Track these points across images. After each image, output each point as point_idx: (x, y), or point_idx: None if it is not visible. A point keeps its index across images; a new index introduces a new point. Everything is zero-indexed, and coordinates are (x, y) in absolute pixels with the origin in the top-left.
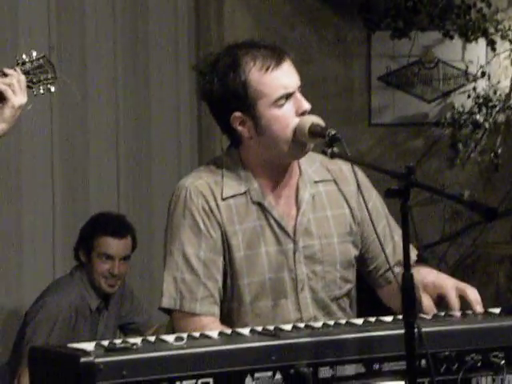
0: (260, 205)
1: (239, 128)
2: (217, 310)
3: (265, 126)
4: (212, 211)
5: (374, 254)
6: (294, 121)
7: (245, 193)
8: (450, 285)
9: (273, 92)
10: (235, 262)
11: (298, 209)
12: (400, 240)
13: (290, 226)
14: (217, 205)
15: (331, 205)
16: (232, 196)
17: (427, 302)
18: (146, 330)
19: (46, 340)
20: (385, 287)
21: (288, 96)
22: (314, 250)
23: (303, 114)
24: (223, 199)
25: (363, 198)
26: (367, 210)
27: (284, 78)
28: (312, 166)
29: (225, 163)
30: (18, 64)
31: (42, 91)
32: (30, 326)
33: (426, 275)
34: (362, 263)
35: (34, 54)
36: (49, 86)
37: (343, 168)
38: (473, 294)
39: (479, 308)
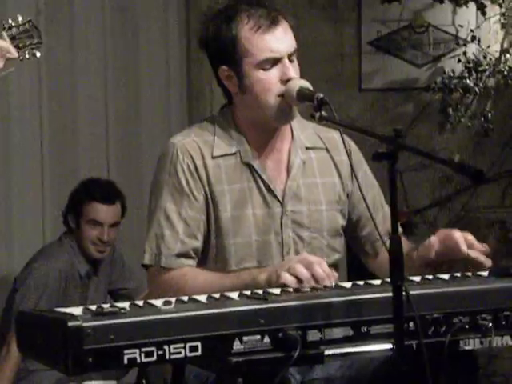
0: (250, 166)
1: (226, 82)
2: (193, 264)
3: (248, 86)
4: (197, 170)
5: (364, 223)
6: (277, 87)
7: (235, 153)
8: (453, 230)
9: (259, 53)
10: (221, 222)
11: (288, 173)
12: (388, 213)
13: (279, 189)
14: (204, 163)
15: (321, 172)
16: (222, 156)
17: (435, 239)
18: (137, 296)
19: (35, 306)
20: (373, 257)
21: (275, 61)
22: (302, 215)
23: (288, 81)
24: (213, 158)
25: (352, 167)
26: (356, 178)
27: (273, 41)
28: (304, 132)
29: (217, 122)
30: (4, 29)
31: (27, 56)
32: (19, 292)
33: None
34: (351, 233)
35: (20, 18)
36: (34, 50)
37: (336, 137)
38: (459, 235)
39: (464, 248)
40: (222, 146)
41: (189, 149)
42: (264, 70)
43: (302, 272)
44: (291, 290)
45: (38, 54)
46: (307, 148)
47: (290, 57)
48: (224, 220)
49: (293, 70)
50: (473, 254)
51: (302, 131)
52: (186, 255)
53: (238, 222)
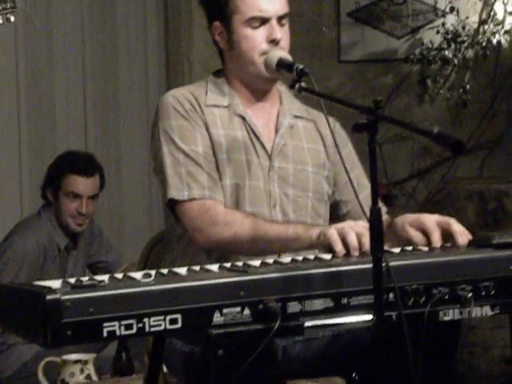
0: (242, 117)
1: (217, 38)
2: (222, 197)
3: (235, 42)
4: (197, 112)
5: (348, 198)
6: (263, 46)
7: (227, 106)
8: (431, 220)
9: (248, 11)
10: (217, 163)
11: (277, 132)
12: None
13: (268, 145)
14: (201, 109)
15: (308, 138)
16: (215, 105)
17: (415, 234)
18: (116, 269)
19: (13, 279)
20: None
21: (263, 21)
22: (288, 172)
23: (273, 42)
24: (207, 106)
25: (336, 143)
26: (340, 154)
27: (263, 1)
28: (293, 104)
29: (210, 81)
30: None
31: (0, 21)
32: None
33: (407, 216)
34: (335, 208)
35: None
36: (8, 15)
37: (322, 115)
38: (456, 225)
39: (462, 239)
40: (214, 98)
41: (186, 96)
42: (252, 28)
43: (353, 239)
44: (271, 261)
45: (13, 19)
46: (295, 116)
47: (280, 20)
48: (219, 161)
49: (280, 32)
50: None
51: (291, 101)
52: (216, 188)
53: (232, 163)
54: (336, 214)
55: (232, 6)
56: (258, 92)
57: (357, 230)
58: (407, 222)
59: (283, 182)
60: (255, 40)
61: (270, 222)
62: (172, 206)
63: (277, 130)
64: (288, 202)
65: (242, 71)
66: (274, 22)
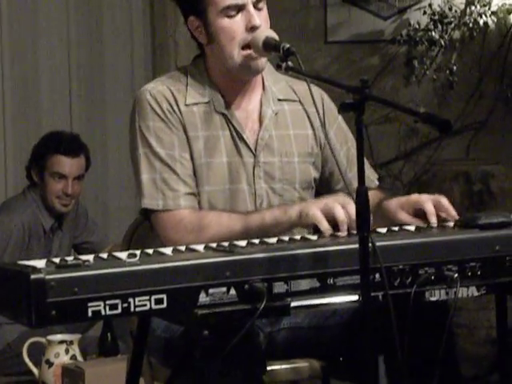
0: (223, 115)
1: (195, 33)
2: (197, 205)
3: (213, 34)
4: (175, 113)
5: (337, 177)
6: (243, 35)
7: (208, 102)
8: (424, 197)
9: (221, 0)
10: (196, 169)
11: (261, 124)
12: (366, 163)
13: (252, 140)
14: (179, 109)
15: (294, 124)
16: (195, 103)
17: (408, 218)
18: (101, 250)
19: None
20: None
21: (239, 8)
22: (274, 167)
23: (253, 29)
24: (186, 105)
25: (323, 124)
26: (326, 137)
27: None
28: (277, 84)
29: (190, 72)
30: None
31: None
32: None
33: (398, 199)
34: (325, 186)
35: None
36: None
37: (308, 89)
38: (430, 206)
39: (433, 219)
40: (194, 94)
41: (164, 94)
42: (228, 17)
43: (340, 212)
44: (257, 241)
45: None
46: (280, 100)
47: (256, 4)
48: (198, 167)
49: (259, 17)
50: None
51: (274, 83)
52: (191, 196)
53: (212, 168)
54: (330, 187)
55: None
56: (240, 81)
57: (340, 201)
58: (399, 205)
59: (269, 177)
60: (234, 30)
61: (245, 215)
62: (146, 213)
63: (261, 122)
64: (275, 196)
65: (223, 63)
66: (250, 7)
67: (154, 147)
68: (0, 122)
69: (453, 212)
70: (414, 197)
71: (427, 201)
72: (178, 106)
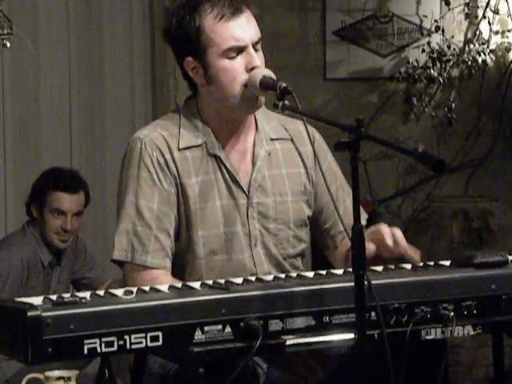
0: (216, 157)
1: (192, 74)
2: (168, 263)
3: (213, 76)
4: (167, 164)
5: (327, 215)
6: (243, 76)
7: (201, 145)
8: (383, 226)
9: (223, 42)
10: (191, 215)
11: (254, 165)
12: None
13: (245, 181)
14: (172, 157)
15: (287, 163)
16: (188, 147)
17: (371, 246)
18: (100, 285)
19: None
20: (332, 249)
21: (240, 50)
22: (268, 207)
23: (253, 69)
24: (179, 150)
25: (317, 158)
26: (322, 172)
27: (237, 30)
28: (269, 123)
29: (183, 114)
30: None
31: None
32: None
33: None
34: (314, 223)
35: None
36: (5, 41)
37: (301, 128)
38: (386, 229)
39: (389, 240)
40: (188, 137)
41: (156, 143)
42: (229, 58)
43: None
44: (253, 279)
45: (9, 45)
46: (272, 139)
47: (254, 45)
48: (193, 212)
49: (258, 58)
50: (405, 252)
51: (266, 122)
52: (160, 252)
53: (206, 213)
54: (319, 225)
55: (205, 39)
56: (235, 122)
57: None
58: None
59: (263, 217)
60: (235, 71)
61: None
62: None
63: (254, 163)
64: (269, 236)
65: (221, 104)
66: (250, 49)
67: (135, 198)
68: (1, 158)
69: (389, 239)
70: (376, 227)
71: (384, 227)
72: (171, 153)
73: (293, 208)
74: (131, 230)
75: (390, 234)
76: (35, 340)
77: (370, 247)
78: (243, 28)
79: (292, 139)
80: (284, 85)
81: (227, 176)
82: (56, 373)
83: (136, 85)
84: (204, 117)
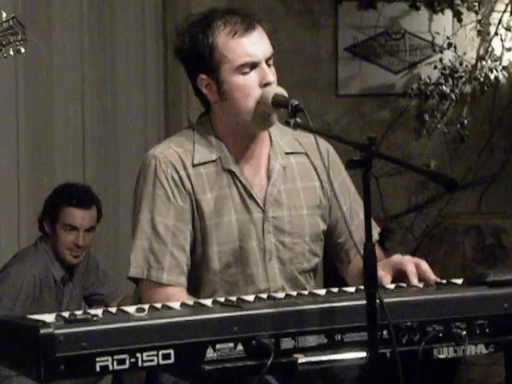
0: (231, 172)
1: (205, 91)
2: (184, 279)
3: (227, 92)
4: (181, 180)
5: (340, 230)
6: (257, 91)
7: (215, 160)
8: (406, 258)
9: (236, 58)
10: (206, 230)
11: (269, 179)
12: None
13: (260, 195)
14: (187, 173)
15: (302, 177)
16: (202, 163)
17: (386, 277)
18: (112, 301)
19: (9, 311)
20: (346, 264)
21: (253, 65)
22: (283, 221)
23: (267, 85)
24: (194, 166)
25: (329, 176)
26: (333, 188)
27: (250, 46)
28: (284, 138)
29: (196, 131)
30: None
31: (11, 53)
32: None
33: (382, 257)
34: (328, 238)
35: (4, 15)
36: (19, 47)
37: (314, 142)
38: (412, 267)
39: (415, 280)
40: (202, 153)
41: (171, 160)
42: (242, 74)
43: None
44: (265, 297)
45: (23, 50)
46: (287, 153)
47: (267, 61)
48: (208, 228)
49: (271, 74)
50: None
51: (280, 137)
52: (176, 269)
53: (221, 228)
54: (333, 240)
55: (219, 56)
56: (249, 137)
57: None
58: (380, 266)
59: (279, 231)
60: (248, 87)
61: None
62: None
63: (269, 177)
64: (285, 250)
65: (235, 119)
66: (263, 64)
67: (151, 215)
68: (14, 174)
69: (432, 276)
70: (396, 258)
71: (408, 262)
72: (185, 169)
73: (308, 222)
74: (147, 246)
75: (415, 273)
76: (48, 357)
77: (386, 279)
78: (256, 44)
79: (306, 153)
80: (296, 102)
81: (242, 190)
82: None
83: (149, 101)
84: (218, 133)
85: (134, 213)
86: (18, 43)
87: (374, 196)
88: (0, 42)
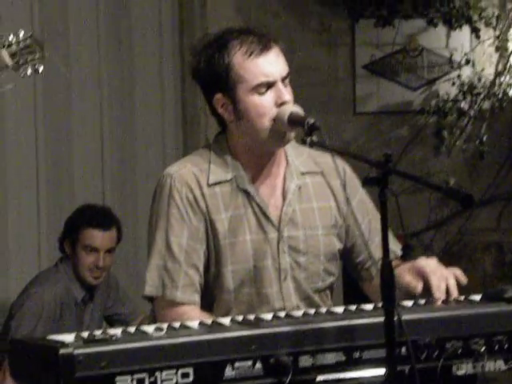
0: (246, 192)
1: (221, 110)
2: (197, 297)
3: (243, 111)
4: (196, 200)
5: (360, 248)
6: (273, 111)
7: (231, 180)
8: (431, 267)
9: (253, 78)
10: (220, 250)
11: (284, 199)
12: (391, 235)
13: (275, 215)
14: (202, 193)
15: (317, 197)
16: (218, 183)
17: (412, 281)
18: (132, 321)
19: (31, 332)
20: (368, 282)
21: (269, 85)
22: (298, 240)
23: (282, 104)
24: (209, 186)
25: (347, 193)
26: (350, 205)
27: (267, 65)
28: (299, 157)
29: (212, 150)
30: (3, 46)
31: (29, 72)
32: (14, 319)
33: (404, 264)
34: (347, 257)
35: (22, 33)
36: (36, 66)
37: (330, 161)
38: (436, 280)
39: (438, 295)
40: (217, 172)
41: (186, 179)
42: (259, 94)
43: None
44: (282, 315)
45: (41, 69)
46: (302, 173)
47: (283, 80)
48: (222, 247)
49: (287, 93)
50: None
51: (296, 157)
52: (190, 287)
53: (236, 248)
54: (351, 258)
55: (234, 76)
56: (265, 156)
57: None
58: (405, 269)
59: (294, 250)
60: (264, 106)
61: None
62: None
63: (284, 197)
64: (300, 270)
65: (251, 139)
66: (279, 84)
67: (166, 234)
68: (34, 194)
69: (455, 293)
70: (420, 263)
71: (434, 274)
72: (200, 189)
73: (323, 242)
74: (162, 265)
75: (440, 287)
76: (67, 377)
77: (419, 287)
78: (272, 64)
79: (322, 173)
80: (312, 121)
81: (257, 210)
82: None
83: (167, 121)
84: (234, 152)
85: (149, 232)
86: (35, 62)
87: (393, 214)
88: (18, 61)
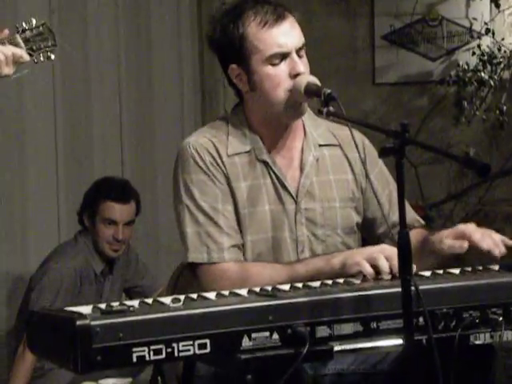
0: (264, 162)
1: (236, 81)
2: (242, 257)
3: (257, 82)
4: (219, 165)
5: (381, 220)
6: (287, 82)
7: (249, 151)
8: (471, 227)
9: (267, 49)
10: (239, 218)
11: (302, 171)
12: (407, 205)
13: (293, 187)
14: (222, 161)
15: (335, 169)
16: (237, 153)
17: (454, 242)
18: (152, 293)
19: (50, 305)
20: None
21: (284, 56)
22: (315, 213)
23: (297, 76)
24: (228, 156)
25: (366, 165)
26: (369, 179)
27: (281, 36)
28: (317, 129)
29: (230, 121)
30: (17, 32)
31: (42, 59)
32: (34, 292)
33: (442, 231)
34: (369, 229)
35: (34, 21)
36: (49, 53)
37: (349, 134)
38: (478, 235)
39: (484, 245)
40: (236, 144)
41: (206, 147)
42: (273, 65)
43: (384, 264)
44: (300, 285)
45: (53, 57)
46: (320, 145)
47: (298, 52)
48: (242, 217)
49: (302, 64)
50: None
51: (315, 129)
52: (234, 248)
53: (255, 218)
54: (373, 231)
55: (249, 46)
56: (282, 128)
57: (385, 252)
58: (444, 235)
59: (311, 223)
60: (279, 77)
61: (288, 265)
62: (191, 266)
63: (302, 169)
64: (318, 242)
65: (266, 110)
66: (294, 55)
67: (198, 200)
68: (53, 169)
69: (502, 248)
70: (460, 227)
71: (475, 231)
72: (220, 158)
73: (341, 214)
74: (202, 232)
75: (485, 241)
76: (84, 349)
77: (464, 245)
78: (286, 34)
79: (340, 145)
80: (328, 91)
81: (276, 181)
82: (109, 381)
83: (185, 93)
84: (251, 123)
85: (176, 202)
86: (48, 49)
87: (413, 184)
88: (31, 48)
